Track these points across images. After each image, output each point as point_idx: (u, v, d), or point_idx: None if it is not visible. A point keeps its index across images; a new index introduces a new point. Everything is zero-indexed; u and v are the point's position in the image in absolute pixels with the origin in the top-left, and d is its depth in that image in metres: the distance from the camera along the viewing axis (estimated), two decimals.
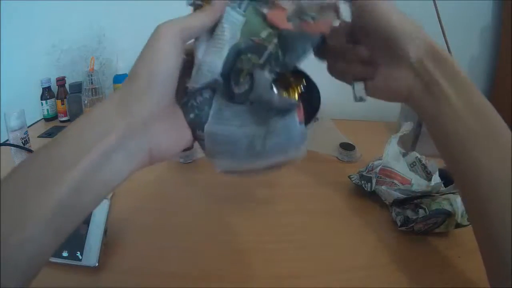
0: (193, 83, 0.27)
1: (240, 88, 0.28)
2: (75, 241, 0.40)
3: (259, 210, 0.52)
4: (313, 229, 0.48)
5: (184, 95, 0.28)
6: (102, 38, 0.94)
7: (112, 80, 0.92)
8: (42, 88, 0.91)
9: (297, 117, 0.27)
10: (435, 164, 0.52)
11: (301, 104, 0.28)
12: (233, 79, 0.28)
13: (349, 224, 0.49)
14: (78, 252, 0.39)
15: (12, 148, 0.60)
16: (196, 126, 0.28)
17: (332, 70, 0.34)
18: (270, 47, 0.28)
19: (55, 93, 0.92)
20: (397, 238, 0.45)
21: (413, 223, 0.43)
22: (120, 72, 0.91)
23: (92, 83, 0.84)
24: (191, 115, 0.28)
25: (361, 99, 0.33)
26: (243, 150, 0.28)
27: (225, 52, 0.28)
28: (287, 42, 0.28)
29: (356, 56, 0.33)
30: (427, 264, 0.41)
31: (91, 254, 0.39)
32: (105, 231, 0.41)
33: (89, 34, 0.93)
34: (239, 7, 0.29)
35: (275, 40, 0.28)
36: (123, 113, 0.24)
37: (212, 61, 0.27)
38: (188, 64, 0.28)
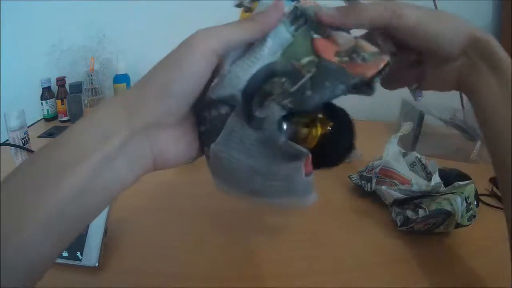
0: (210, 93, 0.25)
1: (262, 113, 0.24)
2: (75, 241, 0.39)
3: (259, 210, 0.52)
4: (313, 229, 0.48)
5: (202, 103, 0.25)
6: (102, 38, 0.94)
7: (112, 80, 0.92)
8: (42, 88, 0.91)
9: (303, 169, 0.24)
10: (435, 164, 0.52)
11: (310, 158, 0.24)
12: (257, 100, 0.25)
13: (349, 224, 0.49)
14: (78, 252, 0.39)
15: (12, 148, 0.60)
16: (204, 140, 0.26)
17: (385, 85, 0.33)
18: (307, 77, 0.24)
19: (55, 93, 0.92)
20: (397, 238, 0.45)
21: (413, 223, 0.43)
22: (120, 72, 0.91)
23: (92, 83, 0.84)
24: (202, 128, 0.26)
25: (419, 98, 0.34)
26: (243, 182, 0.25)
27: (255, 69, 0.25)
28: (319, 75, 0.24)
29: (404, 64, 0.32)
30: (427, 264, 0.41)
31: (91, 254, 0.39)
32: (105, 231, 0.41)
33: (89, 34, 0.93)
34: (291, 25, 0.26)
35: (314, 70, 0.25)
36: (128, 117, 0.23)
37: (237, 74, 0.25)
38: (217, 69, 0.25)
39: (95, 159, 0.22)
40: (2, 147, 0.62)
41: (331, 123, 0.27)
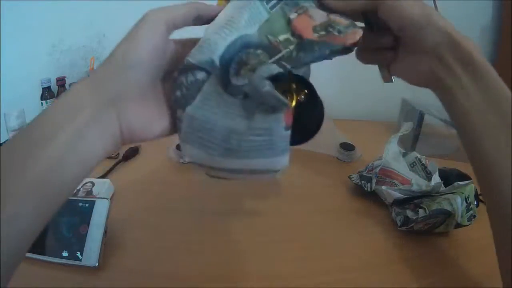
0: (189, 58, 0.26)
1: (238, 80, 0.27)
2: (75, 241, 0.40)
3: (259, 210, 0.52)
4: (313, 229, 0.48)
5: (177, 72, 0.27)
6: (102, 38, 0.94)
7: None
8: (42, 88, 0.90)
9: (283, 119, 0.24)
10: (435, 164, 0.52)
11: (291, 110, 0.25)
12: (233, 69, 0.27)
13: (349, 224, 0.49)
14: (78, 252, 0.39)
15: None
16: (178, 105, 0.27)
17: (358, 56, 0.34)
18: (284, 52, 0.27)
19: (55, 93, 0.92)
20: (397, 238, 0.45)
21: (413, 223, 0.43)
22: None
23: None
24: (178, 93, 0.27)
25: (388, 81, 0.34)
26: (217, 142, 0.26)
27: (232, 38, 0.27)
28: (307, 48, 0.27)
29: (378, 43, 0.33)
30: (427, 264, 0.41)
31: (91, 254, 0.39)
32: (105, 231, 0.41)
33: (89, 34, 0.93)
34: (267, 3, 0.28)
35: (291, 47, 0.27)
36: (93, 91, 0.25)
37: (216, 41, 0.26)
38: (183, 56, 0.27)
39: (67, 132, 0.23)
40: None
41: (305, 91, 0.29)
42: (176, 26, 0.28)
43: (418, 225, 0.44)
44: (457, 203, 0.42)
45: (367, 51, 0.33)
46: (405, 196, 0.47)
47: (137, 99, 0.26)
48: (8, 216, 0.21)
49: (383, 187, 0.49)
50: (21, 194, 0.22)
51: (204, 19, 0.29)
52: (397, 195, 0.47)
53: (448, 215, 0.42)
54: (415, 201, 0.46)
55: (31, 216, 0.22)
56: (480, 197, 0.48)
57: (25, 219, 0.22)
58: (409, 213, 0.44)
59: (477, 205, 0.46)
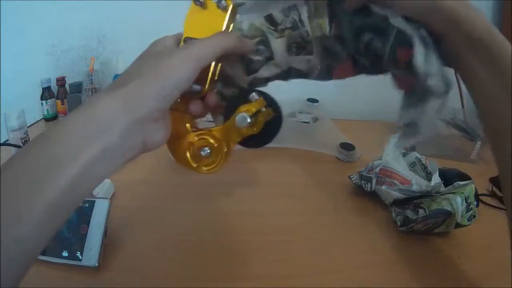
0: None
1: None
2: (75, 241, 0.40)
3: (259, 210, 0.52)
4: (313, 229, 0.48)
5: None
6: (102, 38, 0.94)
7: (112, 80, 0.92)
8: (42, 88, 0.90)
9: None
10: (435, 164, 0.52)
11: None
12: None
13: (349, 224, 0.49)
14: (78, 252, 0.39)
15: (12, 148, 0.60)
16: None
17: None
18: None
19: (55, 93, 0.92)
20: (397, 238, 0.45)
21: (413, 223, 0.43)
22: (120, 72, 0.91)
23: (92, 83, 0.84)
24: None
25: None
26: None
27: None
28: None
29: None
30: (427, 264, 0.41)
31: (91, 254, 0.39)
32: (105, 231, 0.41)
33: (89, 34, 0.93)
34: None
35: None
36: (127, 111, 0.25)
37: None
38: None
39: (93, 151, 0.23)
40: (2, 147, 0.62)
41: (273, 113, 0.33)
42: (205, 63, 0.29)
43: (418, 225, 0.44)
44: (457, 203, 0.42)
45: None
46: (405, 196, 0.47)
47: (158, 119, 0.28)
48: (16, 238, 0.20)
49: (383, 187, 0.49)
50: (33, 218, 0.21)
51: (237, 54, 0.32)
52: (397, 195, 0.47)
53: (448, 215, 0.42)
54: (415, 201, 0.46)
55: (39, 237, 0.22)
56: (480, 197, 0.48)
57: (32, 241, 0.21)
58: (409, 213, 0.44)
59: (477, 205, 0.46)
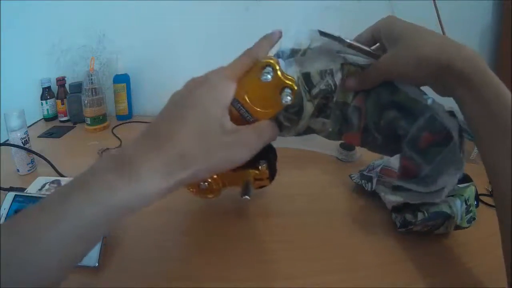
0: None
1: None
2: None
3: (259, 210, 0.52)
4: (313, 229, 0.48)
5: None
6: (102, 38, 0.94)
7: (112, 80, 0.92)
8: (42, 88, 0.91)
9: None
10: None
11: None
12: None
13: (349, 224, 0.49)
14: None
15: (12, 148, 0.60)
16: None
17: None
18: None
19: (55, 93, 0.92)
20: (397, 238, 0.45)
21: (412, 225, 0.43)
22: (120, 72, 0.91)
23: (92, 83, 0.84)
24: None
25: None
26: None
27: None
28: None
29: None
30: (426, 264, 0.41)
31: (91, 254, 0.39)
32: None
33: (89, 34, 0.93)
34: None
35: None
36: (169, 190, 0.30)
37: None
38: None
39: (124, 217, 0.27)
40: (2, 147, 0.62)
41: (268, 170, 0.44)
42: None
43: (417, 228, 0.43)
44: (457, 206, 0.42)
45: None
46: (404, 201, 0.46)
47: None
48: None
49: (382, 194, 0.49)
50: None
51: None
52: (397, 199, 0.47)
53: (447, 217, 0.42)
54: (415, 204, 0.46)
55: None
56: (480, 197, 0.48)
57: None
58: (408, 216, 0.44)
59: (477, 206, 0.46)
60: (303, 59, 0.37)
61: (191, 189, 0.47)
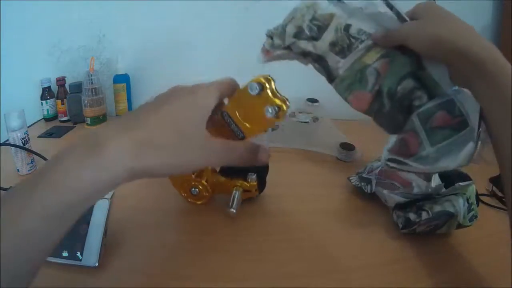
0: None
1: None
2: (75, 241, 0.40)
3: (259, 210, 0.52)
4: (313, 229, 0.48)
5: None
6: (102, 38, 0.94)
7: (112, 80, 0.92)
8: (42, 88, 0.90)
9: None
10: None
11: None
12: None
13: (349, 224, 0.49)
14: (78, 252, 0.39)
15: (12, 148, 0.60)
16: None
17: None
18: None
19: (55, 93, 0.92)
20: (397, 238, 0.45)
21: (416, 225, 0.43)
22: (120, 72, 0.91)
23: (92, 83, 0.83)
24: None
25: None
26: None
27: None
28: None
29: None
30: (427, 264, 0.41)
31: (91, 254, 0.39)
32: (105, 231, 0.41)
33: (89, 34, 0.93)
34: None
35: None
36: (136, 159, 0.28)
37: None
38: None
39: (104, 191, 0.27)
40: (2, 147, 0.61)
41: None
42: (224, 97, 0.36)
43: (421, 228, 0.43)
44: (459, 204, 0.42)
45: None
46: (407, 200, 0.46)
47: None
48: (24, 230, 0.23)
49: (385, 191, 0.49)
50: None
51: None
52: (399, 198, 0.47)
53: (451, 216, 0.42)
54: (417, 203, 0.46)
55: (48, 234, 0.25)
56: (480, 197, 0.48)
57: (40, 236, 0.25)
58: (412, 216, 0.44)
59: (477, 205, 0.46)
60: (352, 9, 0.38)
61: (183, 194, 0.51)
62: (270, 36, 0.42)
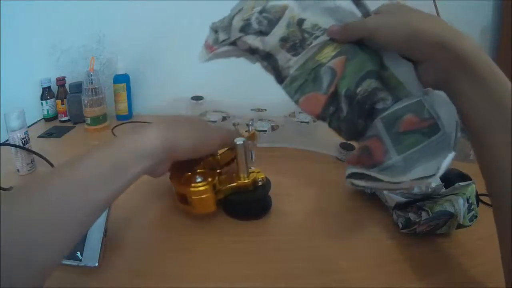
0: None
1: None
2: None
3: None
4: (313, 229, 0.48)
5: None
6: (102, 38, 0.94)
7: (112, 80, 0.91)
8: (42, 88, 0.90)
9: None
10: None
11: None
12: None
13: (348, 224, 0.49)
14: (78, 252, 0.39)
15: (12, 148, 0.60)
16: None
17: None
18: None
19: (55, 93, 0.92)
20: (397, 238, 0.45)
21: (416, 225, 0.43)
22: (120, 72, 0.91)
23: (92, 83, 0.83)
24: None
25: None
26: None
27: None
28: None
29: None
30: (428, 264, 0.41)
31: (91, 254, 0.39)
32: (105, 231, 0.41)
33: (89, 34, 0.93)
34: None
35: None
36: (168, 149, 0.39)
37: None
38: None
39: (137, 169, 0.36)
40: (2, 147, 0.61)
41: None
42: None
43: (421, 228, 0.43)
44: (459, 204, 0.42)
45: None
46: (407, 199, 0.46)
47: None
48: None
49: (385, 192, 0.49)
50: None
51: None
52: (399, 198, 0.47)
53: (451, 216, 0.42)
54: (417, 203, 0.46)
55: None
56: (480, 197, 0.48)
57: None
58: (412, 216, 0.44)
59: (477, 205, 0.46)
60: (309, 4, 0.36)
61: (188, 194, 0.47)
62: (214, 30, 0.38)
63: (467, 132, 0.31)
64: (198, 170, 0.49)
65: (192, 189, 0.45)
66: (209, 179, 0.46)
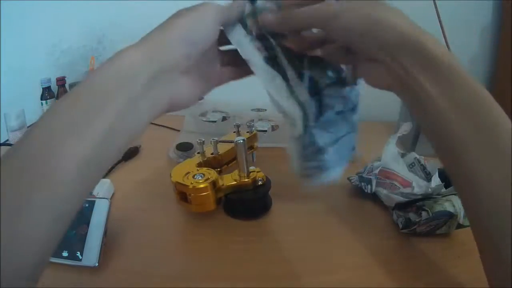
0: None
1: None
2: (75, 241, 0.40)
3: None
4: (313, 229, 0.48)
5: None
6: (102, 38, 0.94)
7: None
8: (42, 88, 0.90)
9: None
10: (434, 165, 0.52)
11: None
12: None
13: (348, 224, 0.49)
14: (78, 252, 0.39)
15: None
16: None
17: (325, 55, 0.33)
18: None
19: (55, 93, 0.92)
20: (397, 238, 0.45)
21: (416, 225, 0.43)
22: None
23: None
24: None
25: (352, 83, 0.33)
26: None
27: None
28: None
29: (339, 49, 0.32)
30: (427, 264, 0.41)
31: (91, 254, 0.39)
32: (105, 231, 0.41)
33: (89, 34, 0.93)
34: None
35: None
36: (149, 60, 0.25)
37: None
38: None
39: (119, 102, 0.23)
40: (2, 147, 0.62)
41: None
42: (225, 21, 0.31)
43: (421, 228, 0.43)
44: (459, 204, 0.42)
45: (332, 51, 0.32)
46: (407, 200, 0.46)
47: (188, 71, 0.28)
48: (51, 196, 0.20)
49: (385, 192, 0.49)
50: (64, 177, 0.21)
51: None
52: (399, 198, 0.47)
53: (451, 216, 0.42)
54: (417, 203, 0.46)
55: (71, 199, 0.22)
56: None
57: (63, 203, 0.21)
58: (412, 216, 0.44)
59: None
60: None
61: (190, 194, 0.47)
62: None
63: (431, 142, 0.28)
64: (198, 168, 0.49)
65: (192, 186, 0.45)
66: (209, 177, 0.46)
